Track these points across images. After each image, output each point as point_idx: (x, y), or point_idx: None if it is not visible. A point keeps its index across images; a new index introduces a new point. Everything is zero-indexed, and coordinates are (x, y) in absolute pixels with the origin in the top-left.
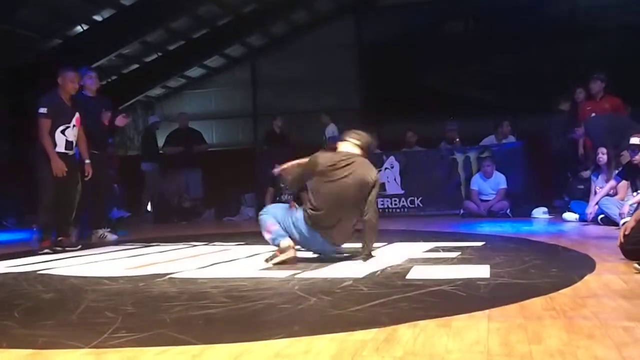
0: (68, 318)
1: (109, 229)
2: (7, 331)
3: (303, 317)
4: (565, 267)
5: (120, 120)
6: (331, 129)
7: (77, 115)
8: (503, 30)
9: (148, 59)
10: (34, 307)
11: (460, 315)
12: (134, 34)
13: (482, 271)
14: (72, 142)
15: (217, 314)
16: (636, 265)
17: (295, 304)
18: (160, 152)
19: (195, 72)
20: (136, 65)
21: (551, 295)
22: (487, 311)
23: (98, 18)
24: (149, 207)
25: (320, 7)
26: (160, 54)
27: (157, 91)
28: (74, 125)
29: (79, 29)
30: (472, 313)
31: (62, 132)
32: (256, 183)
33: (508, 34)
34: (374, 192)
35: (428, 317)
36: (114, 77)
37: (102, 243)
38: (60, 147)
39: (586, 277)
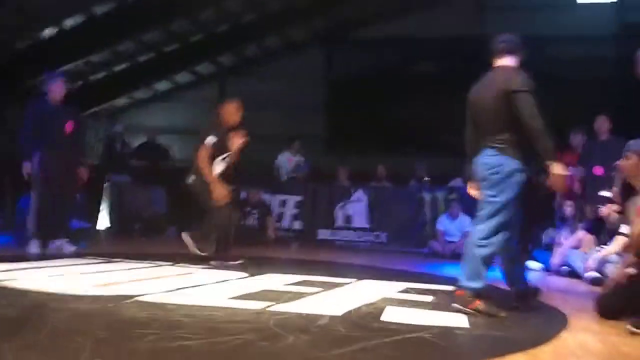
0: (36, 339)
1: (68, 240)
2: None
3: (283, 357)
4: (539, 321)
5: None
6: (284, 158)
7: None
8: (474, 71)
9: (116, 68)
10: None
11: None
12: (104, 42)
13: (458, 319)
14: None
15: (194, 347)
16: (630, 328)
17: (273, 341)
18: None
19: (162, 85)
20: (104, 73)
21: (532, 351)
22: None
23: (69, 23)
24: (106, 220)
25: (293, 34)
26: (128, 64)
27: (122, 101)
28: None
29: (48, 32)
30: None
31: None
32: None
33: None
34: None
35: None
36: (79, 83)
37: (61, 255)
38: None
39: (562, 334)
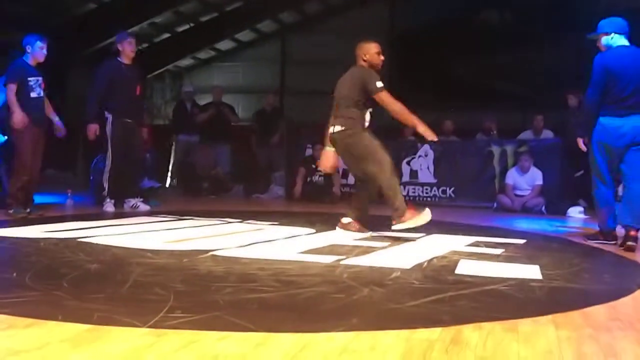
0: (118, 292)
1: (141, 199)
2: (59, 302)
3: (360, 309)
4: (617, 273)
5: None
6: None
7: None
8: (538, 22)
9: (179, 29)
10: (81, 277)
11: (524, 320)
12: (168, 2)
13: (532, 272)
14: None
15: (270, 299)
16: None
17: (348, 293)
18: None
19: (225, 44)
20: (167, 35)
21: (612, 303)
22: (550, 316)
23: None
24: (174, 179)
25: None
26: (192, 24)
27: (186, 61)
28: None
29: None
30: (536, 318)
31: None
32: (285, 161)
33: (543, 27)
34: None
35: (491, 319)
36: (144, 45)
37: (135, 213)
38: None
39: None
